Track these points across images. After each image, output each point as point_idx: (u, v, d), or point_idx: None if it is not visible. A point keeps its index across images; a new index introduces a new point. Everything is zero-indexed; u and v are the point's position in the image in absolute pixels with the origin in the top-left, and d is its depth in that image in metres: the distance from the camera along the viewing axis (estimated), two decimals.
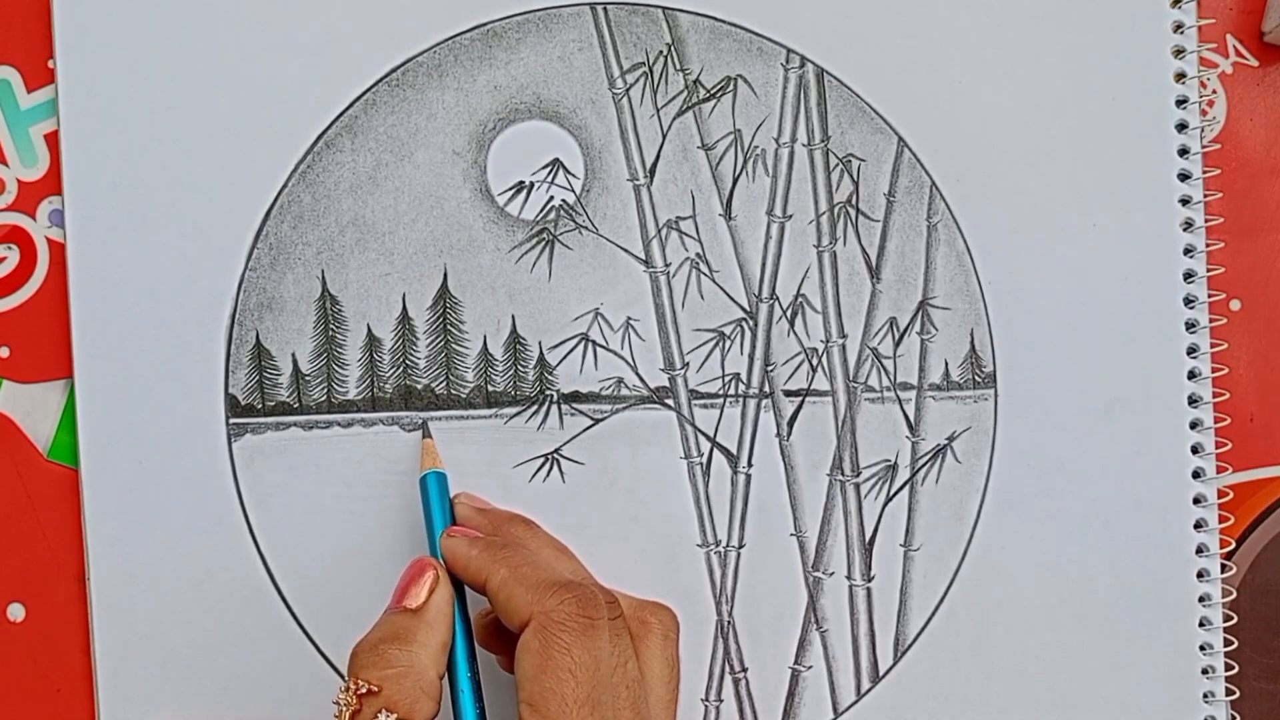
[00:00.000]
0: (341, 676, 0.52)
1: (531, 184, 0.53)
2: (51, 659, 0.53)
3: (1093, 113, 0.53)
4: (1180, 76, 0.53)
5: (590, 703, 0.42)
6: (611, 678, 0.43)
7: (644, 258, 0.53)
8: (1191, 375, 0.53)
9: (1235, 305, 0.54)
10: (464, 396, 0.53)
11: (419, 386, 0.53)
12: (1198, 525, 0.53)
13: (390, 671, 0.43)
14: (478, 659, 0.46)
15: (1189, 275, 0.53)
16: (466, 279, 0.53)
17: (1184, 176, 0.53)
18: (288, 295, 0.53)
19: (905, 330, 0.53)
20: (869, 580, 0.53)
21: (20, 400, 0.54)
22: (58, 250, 0.53)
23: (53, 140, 0.54)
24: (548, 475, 0.53)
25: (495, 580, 0.45)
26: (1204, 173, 0.53)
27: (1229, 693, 0.53)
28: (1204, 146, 0.54)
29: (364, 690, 0.43)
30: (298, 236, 0.53)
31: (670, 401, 0.53)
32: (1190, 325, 0.53)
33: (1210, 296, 0.53)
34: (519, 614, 0.44)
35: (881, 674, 0.53)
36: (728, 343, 0.53)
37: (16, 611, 0.53)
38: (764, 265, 0.53)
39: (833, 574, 0.53)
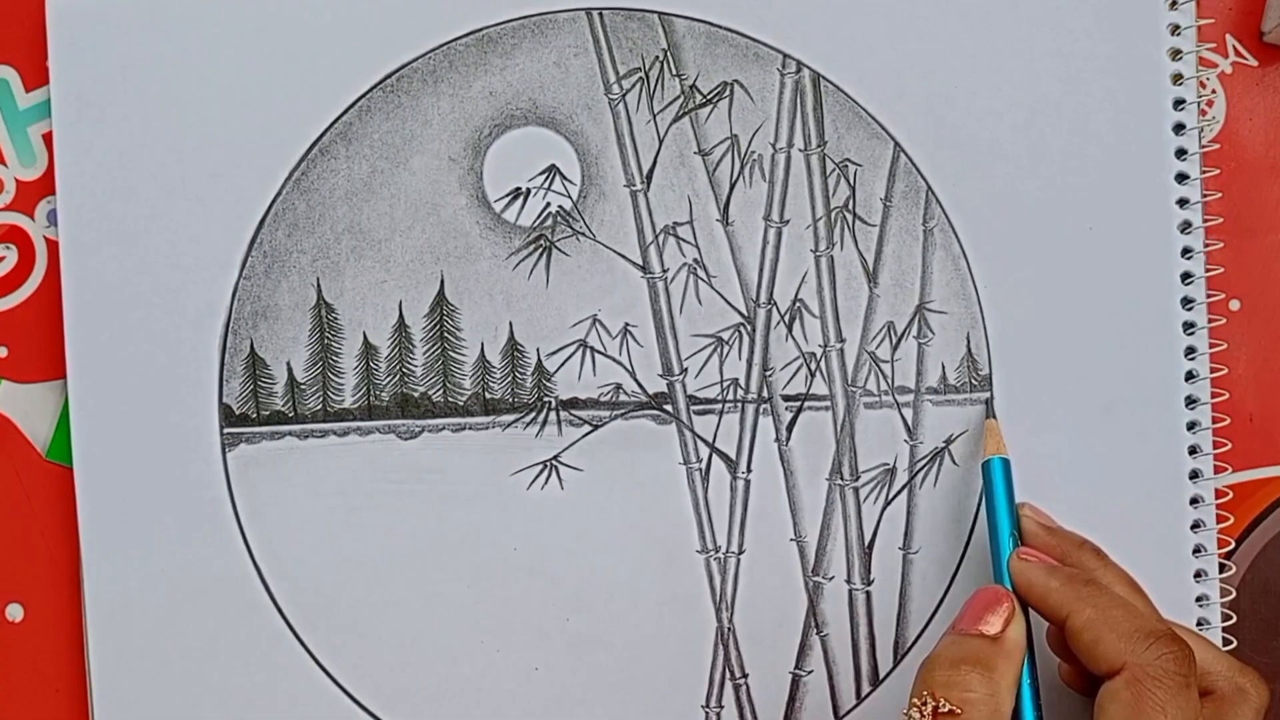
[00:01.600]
0: (336, 683, 0.52)
1: (528, 190, 0.53)
2: (50, 659, 0.53)
3: (1089, 116, 0.53)
4: (1177, 78, 0.53)
5: None
6: None
7: (641, 263, 0.53)
8: (1189, 377, 0.53)
9: (1235, 305, 0.54)
10: (461, 404, 0.53)
11: (416, 394, 0.53)
12: (1195, 526, 0.53)
13: (973, 695, 0.43)
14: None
15: (1187, 277, 0.53)
16: (463, 286, 0.53)
17: (1182, 178, 0.53)
18: (283, 303, 0.53)
19: (903, 334, 0.53)
20: (869, 584, 0.53)
21: (19, 400, 0.54)
22: (56, 250, 0.53)
23: (51, 140, 0.54)
24: (546, 482, 0.53)
25: (1079, 620, 0.44)
26: (1203, 173, 0.53)
27: None
28: (1203, 146, 0.53)
29: (945, 710, 0.42)
30: (292, 244, 0.53)
31: (669, 407, 0.53)
32: (1188, 327, 0.53)
33: (1210, 296, 0.53)
34: (1108, 660, 0.43)
35: (882, 677, 0.53)
36: (726, 348, 0.53)
37: (15, 611, 0.54)
38: (761, 270, 0.53)
39: (832, 578, 0.53)
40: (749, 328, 0.53)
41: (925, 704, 0.43)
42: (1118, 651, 0.43)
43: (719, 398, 0.53)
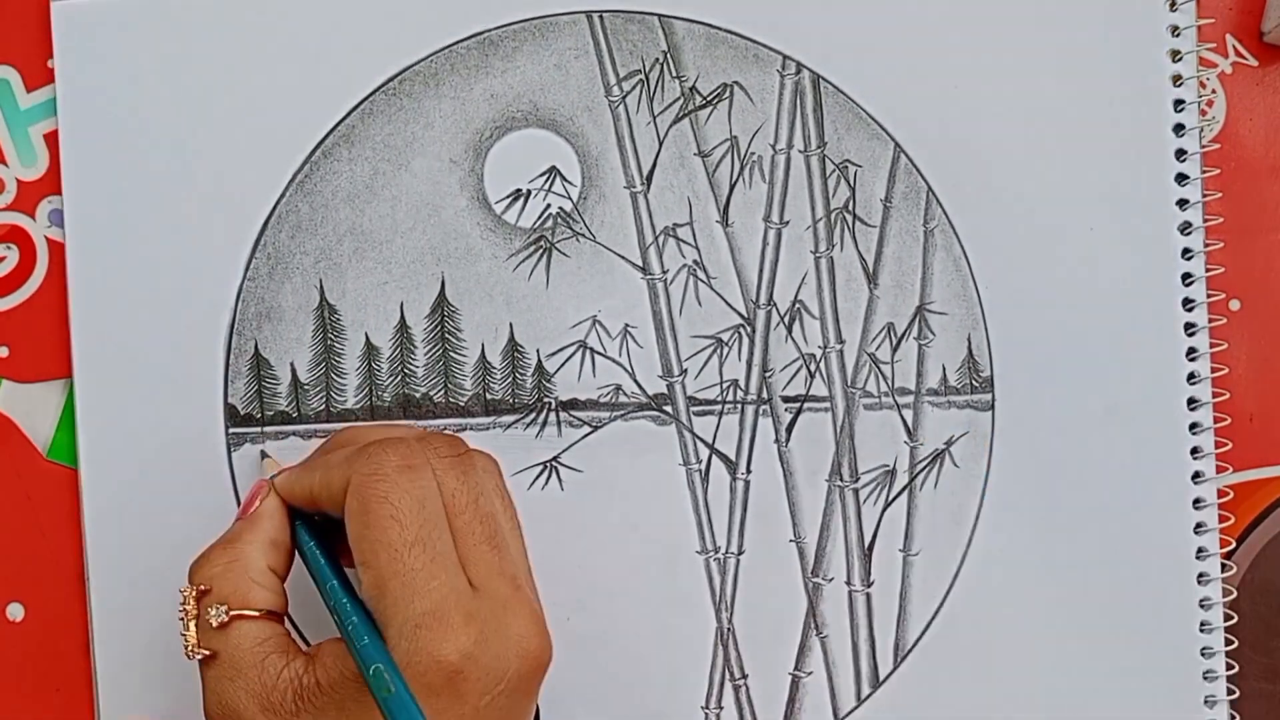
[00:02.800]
0: None
1: (529, 192, 0.53)
2: (51, 658, 0.54)
3: (1089, 117, 0.53)
4: (1177, 79, 0.53)
5: (421, 542, 0.42)
6: (455, 516, 0.43)
7: (641, 265, 0.53)
8: (1191, 378, 0.53)
9: (1235, 305, 0.54)
10: (462, 404, 0.53)
11: (417, 395, 0.53)
12: (1197, 528, 0.53)
13: (216, 569, 0.44)
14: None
15: (1187, 278, 0.53)
16: (464, 287, 0.53)
17: (1182, 179, 0.53)
18: (286, 305, 0.53)
19: (903, 335, 0.53)
20: (868, 585, 0.53)
21: (20, 400, 0.54)
22: (57, 250, 0.54)
23: (52, 140, 0.54)
24: (546, 483, 0.53)
25: (315, 483, 0.45)
26: (1203, 173, 0.53)
27: (1229, 693, 0.53)
28: (1203, 146, 0.53)
29: (195, 593, 0.44)
30: (296, 246, 0.53)
31: (668, 408, 0.53)
32: (1189, 328, 0.53)
33: (1210, 296, 0.53)
34: (339, 491, 0.43)
35: (882, 679, 0.53)
36: (726, 349, 0.53)
37: (16, 611, 0.54)
38: (761, 271, 0.53)
39: (832, 580, 0.53)
40: (749, 329, 0.53)
41: (186, 595, 0.44)
42: (341, 478, 0.43)
43: (719, 399, 0.53)
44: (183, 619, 0.44)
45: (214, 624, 0.43)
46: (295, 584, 0.46)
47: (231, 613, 0.43)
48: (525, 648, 0.43)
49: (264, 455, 0.52)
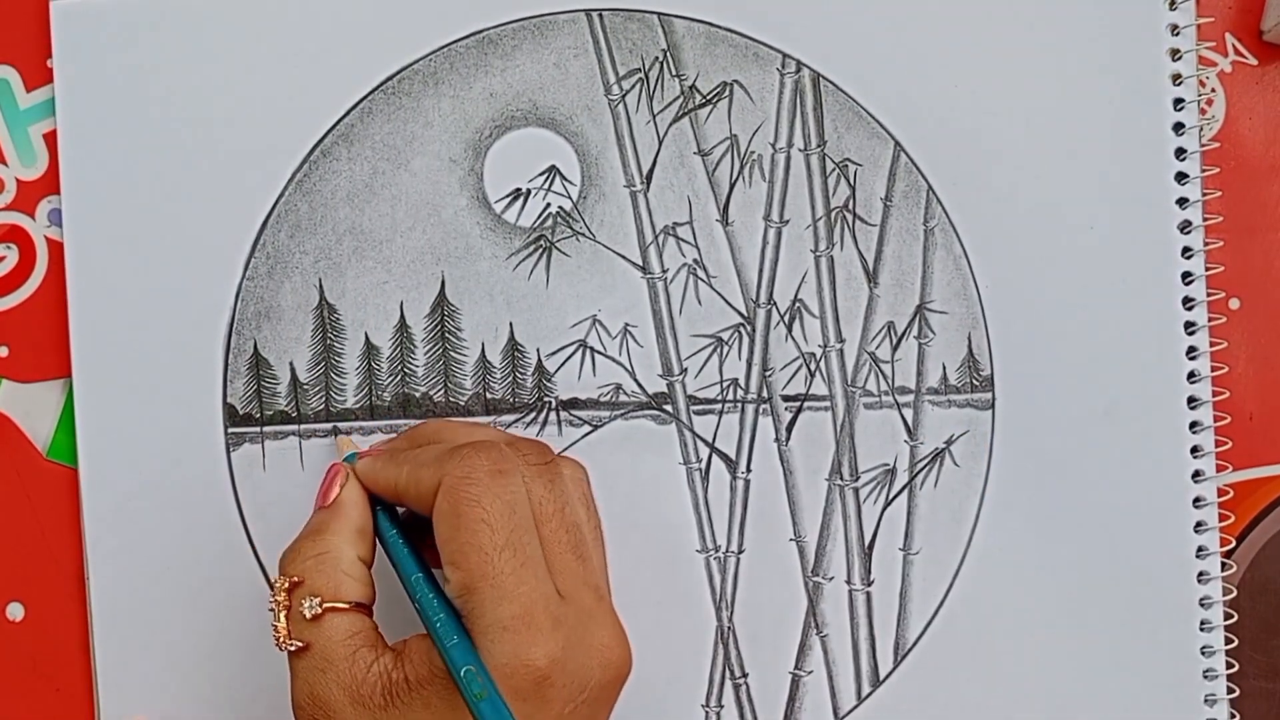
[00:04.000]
0: None
1: (528, 191, 0.53)
2: (51, 658, 0.54)
3: (1089, 115, 0.53)
4: (1176, 78, 0.53)
5: (511, 546, 0.42)
6: (542, 523, 0.44)
7: (641, 264, 0.53)
8: (1191, 377, 0.53)
9: (1235, 304, 0.54)
10: (462, 404, 0.53)
11: (417, 394, 0.53)
12: (1197, 527, 0.53)
13: (308, 561, 0.44)
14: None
15: (1187, 276, 0.53)
16: (464, 286, 0.53)
17: (1181, 178, 0.53)
18: (285, 304, 0.53)
19: (903, 334, 0.53)
20: (869, 584, 0.53)
21: (19, 399, 0.54)
22: (56, 249, 0.54)
23: (51, 140, 0.54)
24: None
25: (402, 478, 0.45)
26: (1203, 171, 0.53)
27: (1229, 691, 0.53)
28: (1203, 145, 0.53)
29: (288, 585, 0.44)
30: (295, 245, 0.53)
31: (669, 407, 0.53)
32: (1189, 327, 0.53)
33: (1210, 295, 0.53)
34: (428, 491, 0.44)
35: (882, 678, 0.53)
36: (726, 348, 0.53)
37: (16, 611, 0.54)
38: (761, 270, 0.53)
39: (832, 578, 0.53)
40: (749, 328, 0.53)
41: (279, 586, 0.44)
42: (432, 478, 0.44)
43: (719, 398, 0.53)
44: (274, 610, 0.44)
45: (307, 616, 0.43)
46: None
47: (324, 605, 0.43)
48: (608, 658, 0.43)
49: (337, 432, 0.52)
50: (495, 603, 0.41)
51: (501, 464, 0.43)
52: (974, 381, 0.53)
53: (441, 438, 0.47)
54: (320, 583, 0.44)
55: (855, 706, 0.53)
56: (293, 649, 0.43)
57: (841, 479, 0.53)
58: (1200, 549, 0.53)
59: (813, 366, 0.53)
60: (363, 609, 0.44)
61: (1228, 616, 0.53)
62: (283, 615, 0.44)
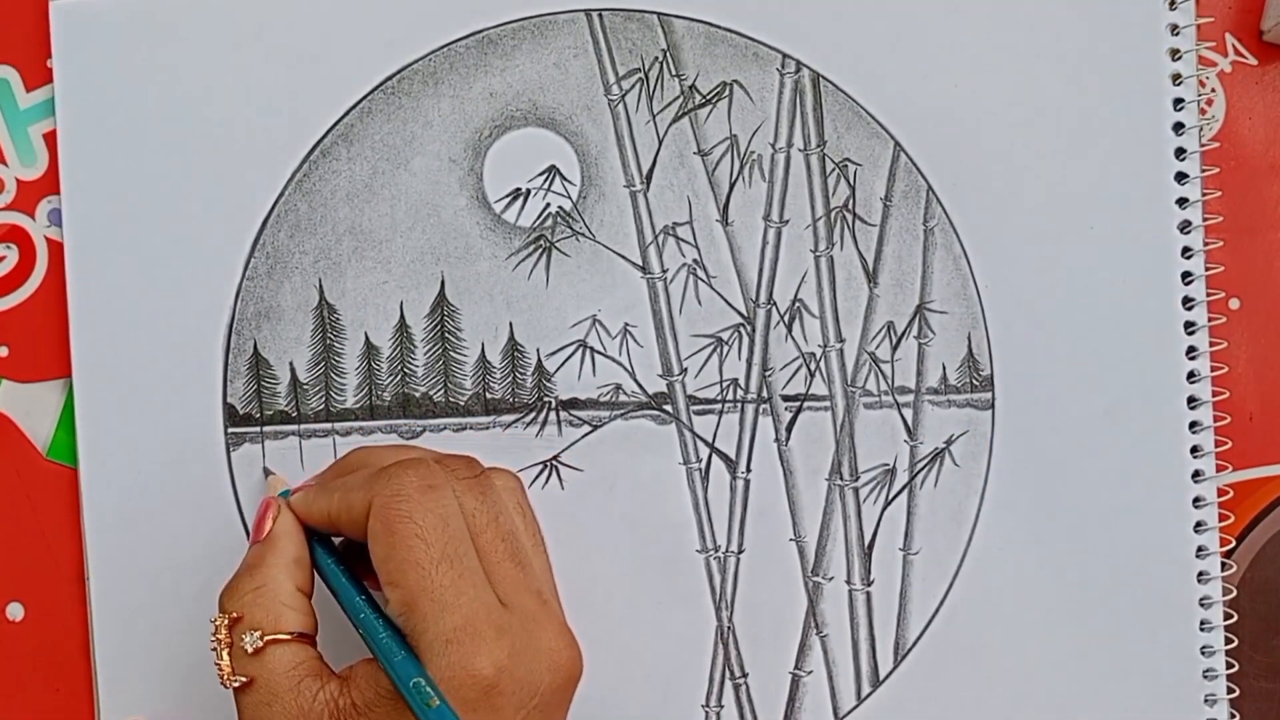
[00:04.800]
0: None
1: (528, 191, 0.53)
2: (51, 658, 0.54)
3: (1089, 115, 0.53)
4: (1176, 78, 0.53)
5: (448, 559, 0.42)
6: (477, 534, 0.43)
7: (641, 264, 0.53)
8: (1190, 377, 0.53)
9: (1235, 304, 0.54)
10: (462, 404, 0.53)
11: (417, 394, 0.53)
12: (1197, 527, 0.53)
13: (246, 596, 0.44)
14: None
15: (1187, 276, 0.53)
16: (464, 286, 0.53)
17: (1181, 177, 0.53)
18: (285, 304, 0.53)
19: (903, 334, 0.53)
20: (868, 584, 0.53)
21: (19, 399, 0.54)
22: (56, 249, 0.54)
23: (51, 140, 0.54)
24: (546, 482, 0.53)
25: (334, 505, 0.45)
26: (1203, 171, 0.53)
27: (1229, 691, 0.53)
28: (1203, 145, 0.53)
29: (227, 622, 0.44)
30: (295, 245, 0.53)
31: (668, 407, 0.53)
32: (1189, 326, 0.53)
33: (1210, 295, 0.53)
34: (360, 514, 0.44)
35: (882, 678, 0.53)
36: (726, 348, 0.53)
37: (16, 611, 0.54)
38: (761, 270, 0.53)
39: (832, 578, 0.53)
40: (749, 328, 0.53)
41: (218, 624, 0.44)
42: (362, 500, 0.44)
43: (719, 398, 0.53)
44: (215, 648, 0.44)
45: (249, 650, 0.43)
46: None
47: (265, 638, 0.43)
48: (556, 661, 0.43)
49: (268, 473, 0.52)
50: (437, 616, 0.41)
51: (430, 479, 0.43)
52: (974, 381, 0.53)
53: (368, 462, 0.47)
54: (260, 616, 0.44)
55: (855, 706, 0.53)
56: (237, 685, 0.43)
57: (841, 479, 0.53)
58: (1200, 549, 0.53)
59: (813, 366, 0.53)
60: (305, 639, 0.44)
61: (1228, 616, 0.53)
62: (225, 653, 0.44)
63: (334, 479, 0.47)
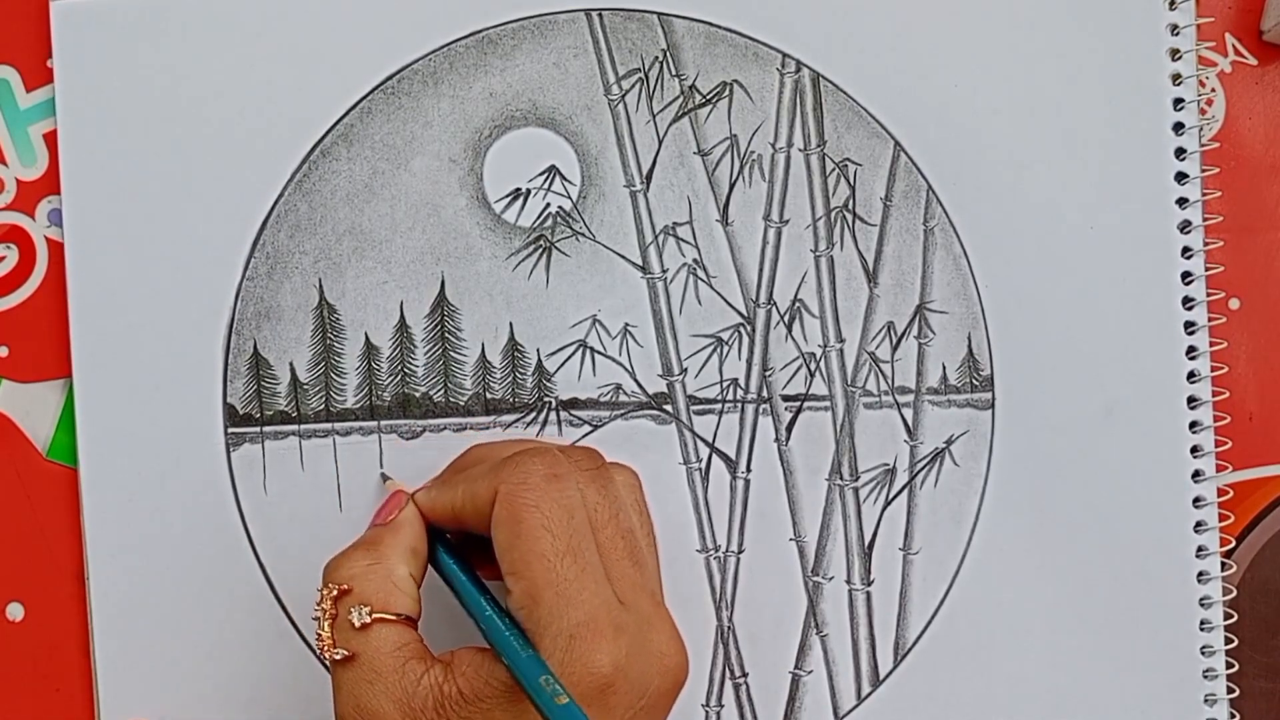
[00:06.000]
0: None
1: (528, 191, 0.53)
2: (51, 658, 0.54)
3: (1089, 115, 0.53)
4: (1176, 78, 0.53)
5: (572, 552, 0.42)
6: (598, 529, 0.43)
7: (641, 264, 0.53)
8: (1190, 377, 0.53)
9: (1235, 304, 0.54)
10: (462, 404, 0.53)
11: (417, 394, 0.53)
12: (1197, 527, 0.53)
13: (357, 569, 0.44)
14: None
15: (1187, 276, 0.53)
16: (464, 286, 0.53)
17: (1181, 178, 0.53)
18: (285, 304, 0.53)
19: (903, 334, 0.53)
20: (868, 584, 0.53)
21: (19, 399, 0.54)
22: (56, 250, 0.54)
23: (51, 140, 0.54)
24: None
25: (458, 497, 0.45)
26: (1203, 171, 0.53)
27: (1229, 691, 0.53)
28: (1203, 145, 0.53)
29: (335, 593, 0.43)
30: (295, 245, 0.53)
31: (669, 407, 0.53)
32: (1189, 326, 0.53)
33: (1210, 295, 0.53)
34: (485, 503, 0.43)
35: (882, 678, 0.53)
36: (726, 348, 0.53)
37: (16, 611, 0.54)
38: (761, 270, 0.53)
39: (832, 578, 0.53)
40: (749, 328, 0.53)
41: (322, 597, 0.44)
42: (488, 489, 0.43)
43: (719, 398, 0.53)
44: (318, 617, 0.43)
45: (355, 624, 0.43)
46: None
47: (373, 614, 0.43)
48: (667, 664, 0.43)
49: (385, 478, 0.52)
50: (560, 610, 0.41)
51: (556, 468, 0.43)
52: (974, 381, 0.53)
53: (488, 457, 0.47)
54: (370, 591, 0.43)
55: (855, 706, 0.53)
56: (338, 658, 0.43)
57: (841, 479, 0.53)
58: (1200, 549, 0.53)
59: (813, 366, 0.53)
60: (410, 623, 0.44)
61: (1227, 616, 0.53)
62: (328, 623, 0.43)
63: (452, 475, 0.47)
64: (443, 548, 0.46)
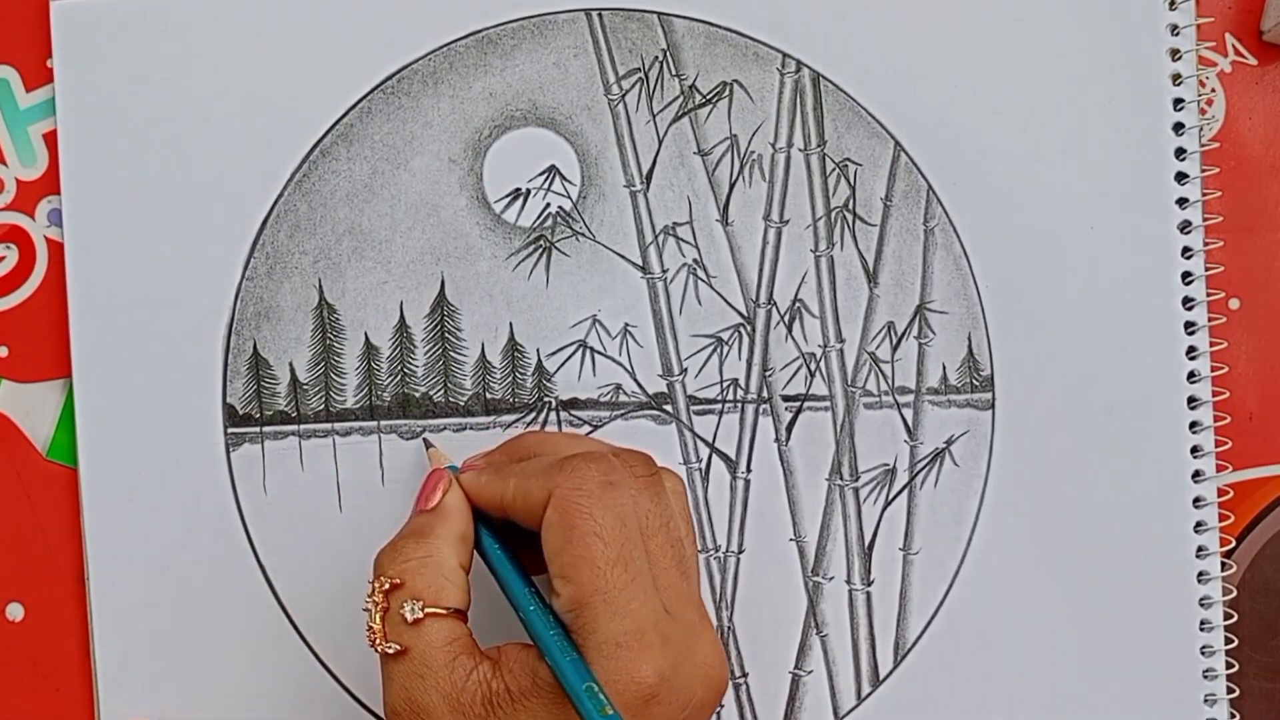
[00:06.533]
0: (339, 682, 0.53)
1: (528, 191, 0.53)
2: (50, 658, 0.54)
3: (1089, 115, 0.53)
4: (1176, 78, 0.53)
5: (622, 561, 0.41)
6: (648, 537, 0.43)
7: (641, 264, 0.53)
8: (1191, 377, 0.53)
9: (1235, 304, 0.54)
10: (462, 404, 0.53)
11: (417, 395, 0.53)
12: (1197, 527, 0.53)
13: (410, 563, 0.44)
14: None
15: (1187, 276, 0.53)
16: (464, 286, 0.53)
17: (1181, 178, 0.53)
18: (285, 304, 0.53)
19: (903, 335, 0.53)
20: (868, 584, 0.53)
21: (19, 399, 0.54)
22: (56, 250, 0.54)
23: (51, 140, 0.54)
24: None
25: (509, 491, 0.44)
26: (1203, 171, 0.53)
27: (1229, 691, 0.53)
28: (1203, 145, 0.53)
29: (387, 586, 0.43)
30: (294, 245, 0.53)
31: (669, 408, 0.53)
32: (1189, 327, 0.53)
33: (1210, 295, 0.53)
34: (537, 503, 0.43)
35: (882, 678, 0.53)
36: (726, 348, 0.53)
37: (15, 611, 0.54)
38: (761, 270, 0.53)
39: (832, 578, 0.53)
40: (749, 328, 0.53)
41: (373, 590, 0.43)
42: (541, 490, 0.43)
43: (719, 398, 0.53)
44: (369, 609, 0.43)
45: (407, 619, 0.42)
46: None
47: (426, 609, 0.43)
48: (710, 675, 0.43)
49: (428, 445, 0.52)
50: (608, 619, 0.41)
51: (611, 475, 0.43)
52: (974, 381, 0.53)
53: (543, 450, 0.47)
54: (422, 586, 0.43)
55: (855, 706, 0.53)
56: (390, 651, 0.43)
57: (841, 479, 0.53)
58: (1200, 549, 0.53)
59: (813, 366, 0.53)
60: (460, 615, 0.44)
61: (1228, 616, 0.53)
62: (379, 616, 0.43)
63: (506, 462, 0.46)
64: (488, 534, 0.46)
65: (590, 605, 0.41)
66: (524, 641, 0.43)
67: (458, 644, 0.43)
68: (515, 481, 0.44)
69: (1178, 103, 0.53)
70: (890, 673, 0.53)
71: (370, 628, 0.43)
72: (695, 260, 0.53)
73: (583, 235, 0.53)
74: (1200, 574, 0.53)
